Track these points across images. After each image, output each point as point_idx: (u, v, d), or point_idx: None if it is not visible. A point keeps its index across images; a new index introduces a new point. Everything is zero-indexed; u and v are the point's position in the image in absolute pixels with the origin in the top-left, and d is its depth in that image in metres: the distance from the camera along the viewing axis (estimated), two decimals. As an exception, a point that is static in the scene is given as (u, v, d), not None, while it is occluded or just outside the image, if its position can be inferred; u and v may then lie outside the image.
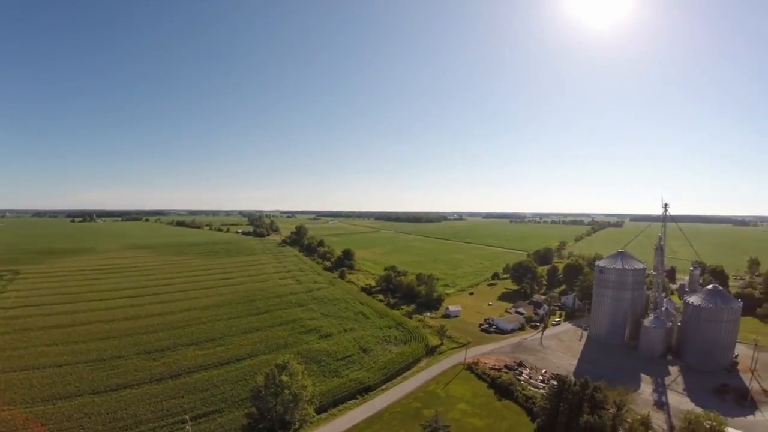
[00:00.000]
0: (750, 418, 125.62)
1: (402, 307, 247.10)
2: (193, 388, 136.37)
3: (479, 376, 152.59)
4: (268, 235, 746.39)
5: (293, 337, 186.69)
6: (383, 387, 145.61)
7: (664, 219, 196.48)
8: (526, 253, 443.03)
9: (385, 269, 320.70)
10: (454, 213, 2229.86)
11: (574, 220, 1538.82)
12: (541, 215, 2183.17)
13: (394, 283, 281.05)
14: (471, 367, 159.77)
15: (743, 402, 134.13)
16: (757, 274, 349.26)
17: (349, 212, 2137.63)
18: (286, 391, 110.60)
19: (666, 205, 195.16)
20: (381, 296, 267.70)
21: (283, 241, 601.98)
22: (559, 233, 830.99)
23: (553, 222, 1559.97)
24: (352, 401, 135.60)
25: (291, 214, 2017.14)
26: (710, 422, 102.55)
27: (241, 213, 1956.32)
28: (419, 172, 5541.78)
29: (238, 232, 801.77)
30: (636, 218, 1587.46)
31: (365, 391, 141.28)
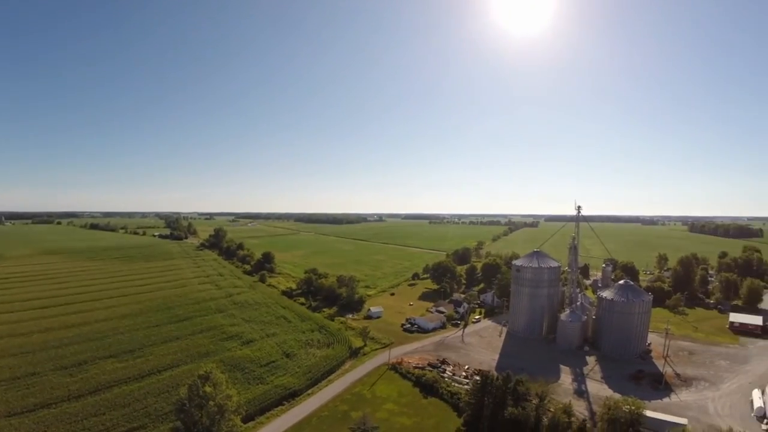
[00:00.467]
0: (666, 400, 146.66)
1: (324, 309, 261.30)
2: (115, 403, 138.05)
3: (404, 376, 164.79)
4: (186, 238, 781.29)
5: (215, 344, 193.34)
6: (309, 391, 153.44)
7: (577, 220, 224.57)
8: (445, 253, 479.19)
9: (306, 272, 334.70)
10: (374, 214, 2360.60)
11: (492, 221, 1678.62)
12: (460, 216, 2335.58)
13: (315, 286, 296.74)
14: (395, 367, 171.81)
15: (658, 386, 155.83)
16: (665, 268, 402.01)
17: (268, 213, 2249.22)
18: (211, 403, 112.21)
19: (579, 207, 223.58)
20: (302, 299, 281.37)
21: (202, 245, 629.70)
22: (477, 233, 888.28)
23: (471, 223, 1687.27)
24: (278, 408, 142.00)
25: (209, 216, 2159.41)
26: (629, 406, 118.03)
27: (158, 215, 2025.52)
28: (339, 173, 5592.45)
29: (155, 235, 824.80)
30: (551, 218, 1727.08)
31: (291, 396, 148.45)
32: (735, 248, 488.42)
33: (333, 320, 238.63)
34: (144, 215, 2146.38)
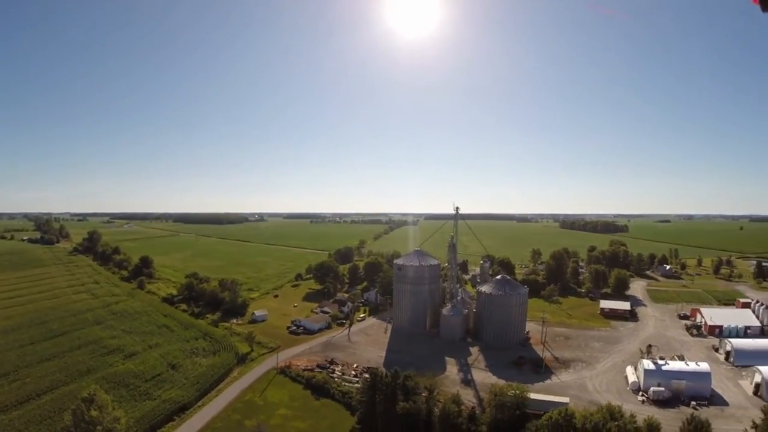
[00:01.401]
0: (547, 382, 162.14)
1: (207, 315, 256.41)
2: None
3: (294, 379, 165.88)
4: (58, 242, 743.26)
5: (95, 360, 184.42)
6: (199, 403, 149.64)
7: (456, 219, 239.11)
8: (327, 252, 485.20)
9: (187, 276, 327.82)
10: (254, 214, 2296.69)
11: (373, 220, 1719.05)
12: (341, 215, 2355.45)
13: (197, 291, 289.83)
14: (284, 371, 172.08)
15: (539, 370, 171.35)
16: (539, 262, 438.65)
17: (145, 214, 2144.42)
18: (99, 428, 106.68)
19: (457, 208, 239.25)
20: (184, 306, 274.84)
21: (75, 249, 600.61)
22: (358, 232, 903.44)
23: (353, 222, 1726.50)
24: (169, 424, 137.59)
25: (83, 217, 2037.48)
26: (514, 391, 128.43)
27: (26, 216, 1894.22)
28: (222, 172, 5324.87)
29: (23, 240, 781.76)
30: (431, 217, 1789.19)
31: (182, 410, 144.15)
32: (603, 242, 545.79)
33: (217, 326, 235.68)
34: (11, 216, 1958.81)
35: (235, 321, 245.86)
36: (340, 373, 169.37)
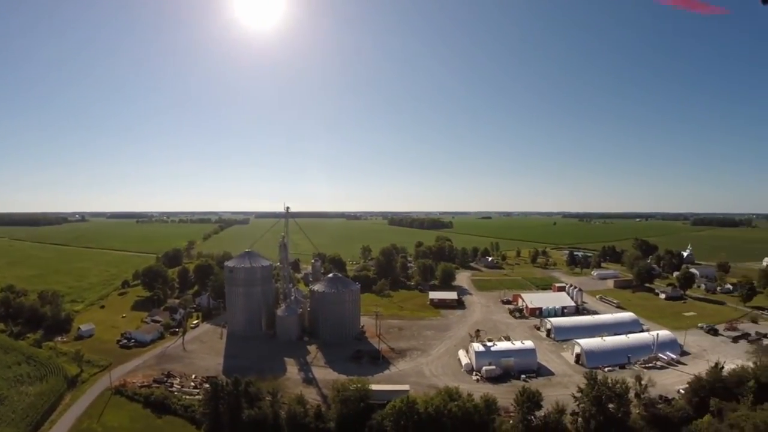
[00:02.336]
0: (387, 372, 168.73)
1: (28, 335, 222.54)
2: None
3: (131, 398, 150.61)
4: None
5: None
6: None
7: (287, 217, 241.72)
8: (155, 255, 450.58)
9: (1, 290, 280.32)
10: (75, 213, 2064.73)
11: (202, 219, 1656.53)
12: (169, 214, 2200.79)
13: (14, 307, 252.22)
14: (120, 390, 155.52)
15: (377, 361, 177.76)
16: (370, 258, 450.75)
17: None
18: None
19: (288, 207, 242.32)
20: (1, 326, 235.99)
21: None
22: (187, 232, 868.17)
23: (181, 221, 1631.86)
24: None
25: None
26: (356, 385, 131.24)
27: None
28: (37, 167, 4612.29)
29: None
30: (261, 215, 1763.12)
31: None
32: (429, 238, 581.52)
33: (41, 347, 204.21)
34: None
35: (59, 339, 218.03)
36: (179, 386, 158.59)
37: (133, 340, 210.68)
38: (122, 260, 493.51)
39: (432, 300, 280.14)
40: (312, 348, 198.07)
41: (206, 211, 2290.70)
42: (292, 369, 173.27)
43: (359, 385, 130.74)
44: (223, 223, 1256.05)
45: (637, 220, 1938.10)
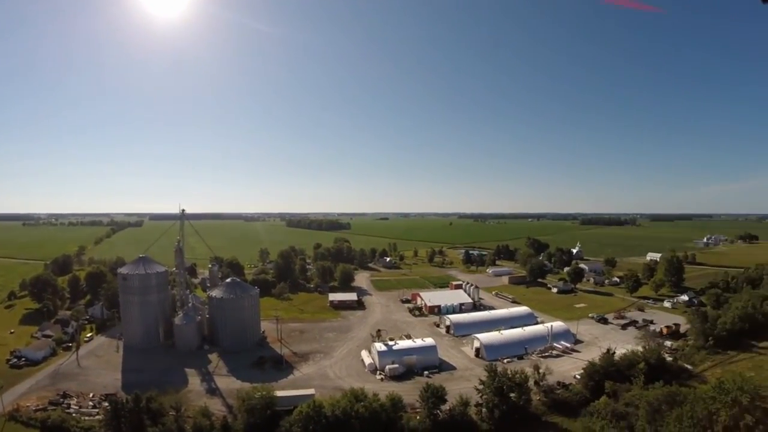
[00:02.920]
0: (291, 377, 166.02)
1: None
2: None
3: (27, 424, 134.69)
4: None
5: None
6: None
7: (182, 220, 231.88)
8: (44, 262, 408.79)
9: None
10: None
11: (94, 221, 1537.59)
12: (57, 216, 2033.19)
13: None
14: (14, 416, 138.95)
15: (280, 366, 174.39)
16: (268, 261, 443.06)
17: None
18: None
19: (183, 210, 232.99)
20: None
21: None
22: (77, 236, 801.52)
23: (71, 223, 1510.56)
24: None
25: None
26: (260, 392, 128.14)
27: None
28: None
29: None
30: (156, 217, 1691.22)
31: None
32: (328, 239, 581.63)
33: None
34: None
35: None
36: (77, 407, 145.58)
37: (24, 359, 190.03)
38: (7, 268, 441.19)
39: (332, 302, 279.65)
40: (213, 357, 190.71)
41: (98, 213, 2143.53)
42: (194, 380, 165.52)
43: (264, 393, 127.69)
44: (115, 225, 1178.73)
45: (530, 220, 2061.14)
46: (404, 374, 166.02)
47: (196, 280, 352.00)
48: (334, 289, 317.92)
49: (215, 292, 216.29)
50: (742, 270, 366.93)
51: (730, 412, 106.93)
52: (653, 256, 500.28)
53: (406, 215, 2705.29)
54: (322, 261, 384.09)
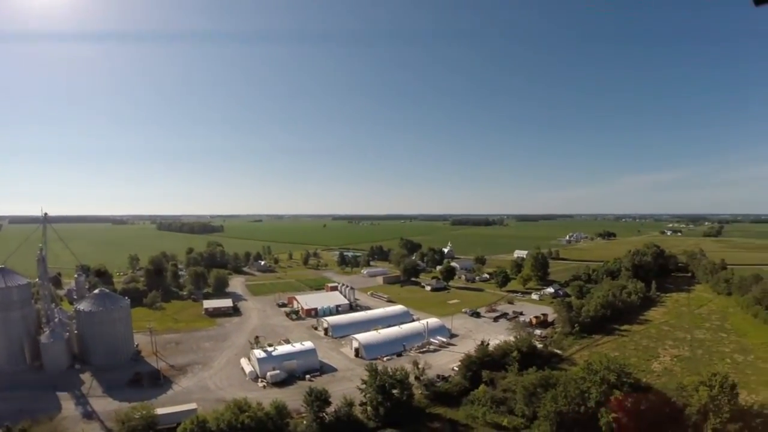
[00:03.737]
0: (170, 393, 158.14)
1: None
2: None
3: None
4: None
5: None
6: None
7: (45, 225, 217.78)
8: None
9: None
10: None
11: None
12: None
13: None
14: None
15: (158, 382, 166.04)
16: (138, 268, 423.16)
17: None
18: None
19: (45, 214, 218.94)
20: None
21: None
22: None
23: None
24: None
25: None
26: (140, 412, 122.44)
27: None
28: None
29: None
30: (16, 220, 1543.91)
31: None
32: (201, 243, 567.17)
33: None
34: None
35: None
36: None
37: None
38: None
39: (207, 309, 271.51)
40: (86, 376, 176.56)
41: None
42: (68, 404, 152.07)
43: (144, 412, 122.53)
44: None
45: (402, 221, 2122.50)
46: (286, 380, 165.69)
47: (61, 292, 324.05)
48: (208, 296, 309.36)
49: (83, 305, 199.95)
50: (602, 263, 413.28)
51: (600, 389, 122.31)
52: (520, 253, 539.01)
53: (279, 217, 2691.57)
54: (195, 267, 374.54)
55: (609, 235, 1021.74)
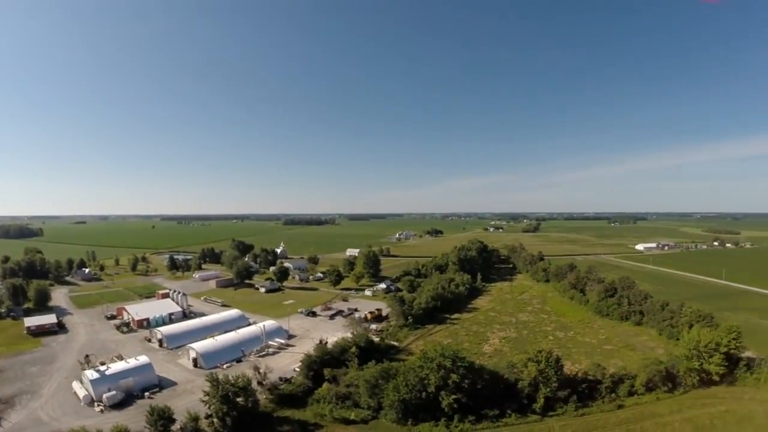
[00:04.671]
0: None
1: None
2: None
3: None
4: None
5: None
6: None
7: None
8: None
9: None
10: None
11: None
12: None
13: None
14: None
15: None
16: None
17: None
18: None
19: None
20: None
21: None
22: None
23: None
24: None
25: None
26: None
27: None
28: None
29: None
30: None
31: None
32: (17, 250, 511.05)
33: None
34: None
35: None
36: None
37: None
38: None
39: (29, 328, 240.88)
40: None
41: None
42: None
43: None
44: None
45: (234, 221, 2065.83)
46: (125, 400, 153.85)
47: None
48: (29, 312, 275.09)
49: None
50: (431, 259, 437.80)
51: (438, 375, 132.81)
52: (352, 251, 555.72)
53: (105, 218, 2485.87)
54: (13, 278, 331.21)
55: (437, 232, 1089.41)
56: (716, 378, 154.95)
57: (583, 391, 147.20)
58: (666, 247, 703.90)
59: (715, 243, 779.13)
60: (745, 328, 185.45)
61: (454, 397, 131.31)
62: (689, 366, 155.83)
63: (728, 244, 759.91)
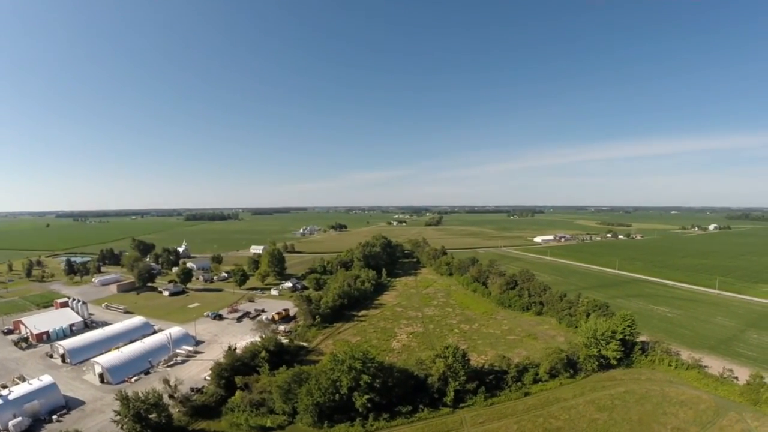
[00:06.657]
0: None
1: None
2: None
3: None
4: None
5: None
6: None
7: None
8: None
9: None
10: None
11: None
12: None
13: None
14: None
15: None
16: None
17: None
18: None
19: None
20: None
21: None
22: None
23: None
24: None
25: None
26: None
27: None
28: None
29: None
30: None
31: None
32: None
33: None
34: None
35: None
36: None
37: None
38: None
39: None
40: None
41: None
42: None
43: None
44: None
45: (133, 218, 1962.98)
46: (32, 426, 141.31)
47: None
48: None
49: None
50: (336, 255, 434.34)
51: (349, 377, 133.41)
52: (257, 248, 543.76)
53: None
54: None
55: (341, 227, 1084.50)
56: (614, 362, 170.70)
57: (491, 381, 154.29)
58: (563, 239, 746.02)
59: (609, 235, 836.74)
60: (639, 314, 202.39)
61: (367, 397, 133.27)
62: (588, 353, 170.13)
63: (620, 236, 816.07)
